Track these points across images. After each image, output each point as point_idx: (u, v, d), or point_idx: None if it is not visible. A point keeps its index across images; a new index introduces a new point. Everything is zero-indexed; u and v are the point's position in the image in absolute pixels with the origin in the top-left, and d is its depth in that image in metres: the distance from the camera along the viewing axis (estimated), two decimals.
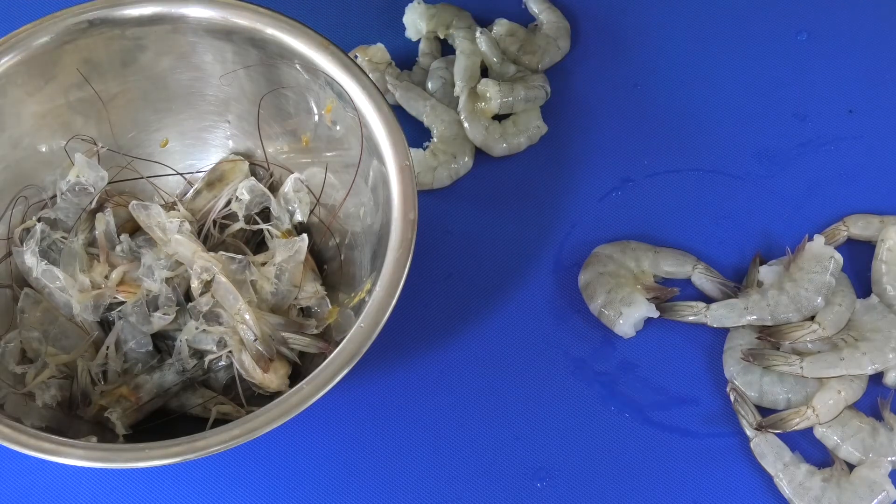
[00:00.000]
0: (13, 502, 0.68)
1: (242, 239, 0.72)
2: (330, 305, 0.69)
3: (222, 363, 0.68)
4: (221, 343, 0.66)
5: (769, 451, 0.67)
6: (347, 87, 0.65)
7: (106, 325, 0.69)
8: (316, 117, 0.69)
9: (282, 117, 0.71)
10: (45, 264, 0.68)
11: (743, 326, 0.71)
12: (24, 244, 0.69)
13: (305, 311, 0.70)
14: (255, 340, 0.65)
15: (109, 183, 0.72)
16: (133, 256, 0.69)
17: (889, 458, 0.66)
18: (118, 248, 0.70)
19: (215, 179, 0.73)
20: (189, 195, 0.73)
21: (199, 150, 0.74)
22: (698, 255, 0.75)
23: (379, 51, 0.81)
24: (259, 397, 0.67)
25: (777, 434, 0.68)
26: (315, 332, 0.67)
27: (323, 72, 0.66)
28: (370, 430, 0.69)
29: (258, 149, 0.73)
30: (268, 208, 0.72)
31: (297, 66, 0.67)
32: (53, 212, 0.71)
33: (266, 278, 0.68)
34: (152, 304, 0.68)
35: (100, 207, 0.71)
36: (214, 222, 0.71)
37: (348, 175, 0.68)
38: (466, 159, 0.78)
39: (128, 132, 0.73)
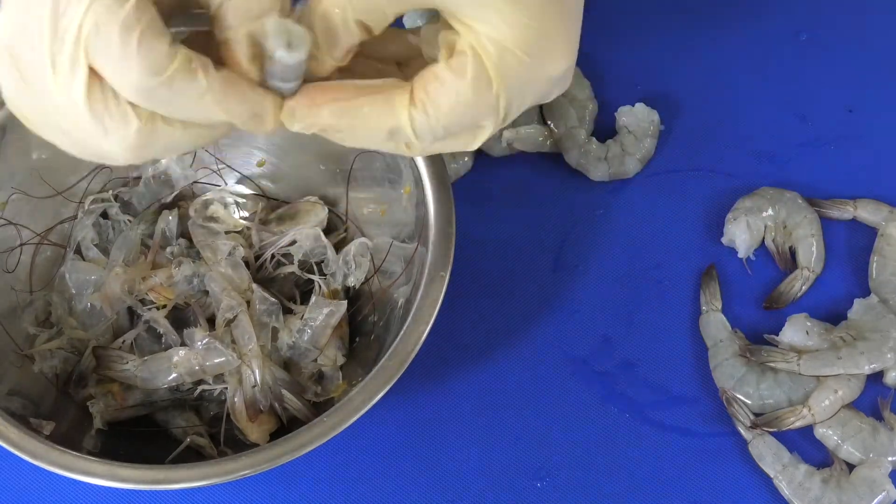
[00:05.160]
0: (12, 500, 0.68)
1: (294, 281, 0.70)
2: (341, 380, 0.67)
3: (215, 395, 0.66)
4: (220, 377, 0.65)
5: (768, 453, 0.67)
6: (422, 174, 0.64)
7: (133, 317, 0.69)
8: (395, 193, 0.67)
9: (372, 181, 0.70)
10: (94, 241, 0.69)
11: (725, 341, 0.71)
12: (85, 215, 0.69)
13: (320, 376, 0.68)
14: (255, 387, 0.64)
15: (193, 183, 0.72)
16: (180, 262, 0.68)
17: (889, 458, 0.66)
18: (170, 249, 0.69)
19: (288, 216, 0.71)
20: (257, 222, 0.71)
21: (291, 180, 0.73)
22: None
23: None
24: (238, 441, 0.65)
25: (776, 435, 0.68)
26: (315, 399, 0.66)
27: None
28: (365, 428, 0.69)
29: (343, 200, 0.71)
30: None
31: None
32: (130, 192, 0.71)
33: (288, 329, 0.67)
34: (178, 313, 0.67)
35: (172, 205, 0.71)
36: (272, 256, 0.70)
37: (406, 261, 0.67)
38: (466, 159, 0.78)
39: (230, 143, 0.72)
